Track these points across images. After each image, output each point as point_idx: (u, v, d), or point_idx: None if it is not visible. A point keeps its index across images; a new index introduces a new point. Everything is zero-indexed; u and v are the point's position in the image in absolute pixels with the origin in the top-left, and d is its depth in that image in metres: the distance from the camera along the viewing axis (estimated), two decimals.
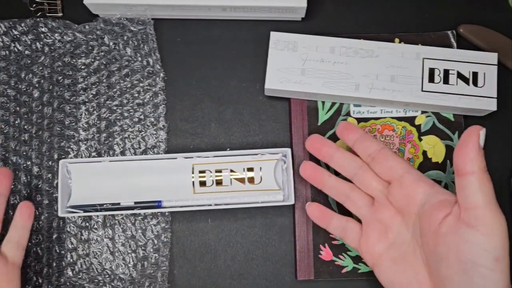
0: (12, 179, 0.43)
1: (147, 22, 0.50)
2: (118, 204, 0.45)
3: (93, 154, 0.48)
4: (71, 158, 0.48)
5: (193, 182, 0.45)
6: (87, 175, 0.45)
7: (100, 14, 0.50)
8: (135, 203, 0.45)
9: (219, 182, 0.45)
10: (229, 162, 0.45)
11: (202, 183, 0.45)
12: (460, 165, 0.34)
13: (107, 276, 0.46)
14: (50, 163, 0.48)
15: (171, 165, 0.45)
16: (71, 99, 0.49)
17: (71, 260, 0.47)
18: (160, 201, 0.45)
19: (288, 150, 0.45)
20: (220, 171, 0.45)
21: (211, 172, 0.45)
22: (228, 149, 0.49)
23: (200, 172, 0.45)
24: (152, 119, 0.49)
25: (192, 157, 0.46)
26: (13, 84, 0.49)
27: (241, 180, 0.45)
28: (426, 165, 0.48)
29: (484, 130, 0.34)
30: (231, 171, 0.45)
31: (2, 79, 0.49)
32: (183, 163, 0.45)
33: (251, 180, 0.45)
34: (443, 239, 0.34)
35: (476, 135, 0.33)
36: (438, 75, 0.46)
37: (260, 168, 0.45)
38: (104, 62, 0.49)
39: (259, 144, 0.49)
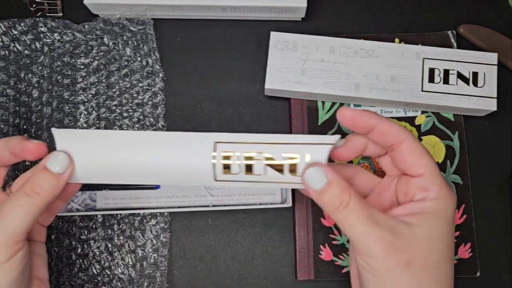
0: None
1: (146, 22, 0.50)
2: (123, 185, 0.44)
3: None
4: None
5: (213, 165, 0.33)
6: (79, 147, 0.34)
7: (100, 14, 0.50)
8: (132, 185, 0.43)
9: (248, 169, 0.34)
10: (264, 143, 0.34)
11: (226, 167, 0.33)
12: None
13: (106, 276, 0.46)
14: None
15: (186, 139, 0.34)
16: (70, 99, 0.49)
17: (70, 260, 0.46)
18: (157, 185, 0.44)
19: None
20: (251, 154, 0.33)
21: (239, 154, 0.33)
22: None
23: (224, 153, 0.33)
24: (152, 119, 0.49)
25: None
26: (12, 84, 0.49)
27: (279, 169, 0.33)
28: None
29: (310, 170, 0.31)
30: (266, 156, 0.33)
31: (1, 79, 0.49)
32: (201, 138, 0.34)
33: (293, 169, 0.33)
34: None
35: (305, 183, 0.31)
36: (438, 75, 0.46)
37: (306, 155, 0.33)
38: (104, 62, 0.49)
39: None
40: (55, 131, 0.33)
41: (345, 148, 0.33)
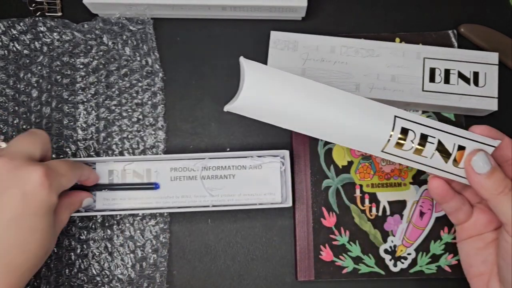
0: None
1: (146, 21, 0.49)
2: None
3: (92, 154, 0.48)
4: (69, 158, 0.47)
5: (390, 137, 0.34)
6: (265, 82, 0.33)
7: (99, 13, 0.50)
8: (130, 184, 0.46)
9: (419, 149, 0.35)
10: (440, 129, 0.35)
11: (399, 142, 0.35)
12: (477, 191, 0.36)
13: (105, 276, 0.46)
14: None
15: (369, 107, 0.35)
16: (70, 99, 0.49)
17: (70, 261, 0.46)
18: (157, 184, 0.45)
19: (287, 152, 0.45)
20: (426, 137, 0.35)
21: (415, 134, 0.35)
22: (228, 150, 0.48)
23: (403, 130, 0.35)
24: (151, 119, 0.48)
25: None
26: (11, 84, 0.49)
27: (446, 156, 0.35)
28: None
29: (480, 153, 0.34)
30: (439, 142, 0.35)
31: (0, 78, 0.49)
32: (383, 110, 0.35)
33: (458, 159, 0.35)
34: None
35: (469, 165, 0.35)
36: (439, 74, 0.46)
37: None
38: (103, 62, 0.49)
39: (259, 145, 0.49)
40: (244, 60, 0.33)
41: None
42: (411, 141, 0.35)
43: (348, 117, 0.34)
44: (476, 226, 0.39)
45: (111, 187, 0.45)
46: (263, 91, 0.33)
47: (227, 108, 0.33)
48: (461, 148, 0.35)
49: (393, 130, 0.34)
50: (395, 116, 0.35)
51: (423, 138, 0.35)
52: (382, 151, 0.35)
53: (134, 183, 0.45)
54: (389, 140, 0.34)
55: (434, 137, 0.35)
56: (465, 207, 0.39)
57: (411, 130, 0.35)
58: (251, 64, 0.33)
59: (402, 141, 0.34)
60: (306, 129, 0.34)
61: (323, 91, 0.34)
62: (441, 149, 0.35)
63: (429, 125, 0.35)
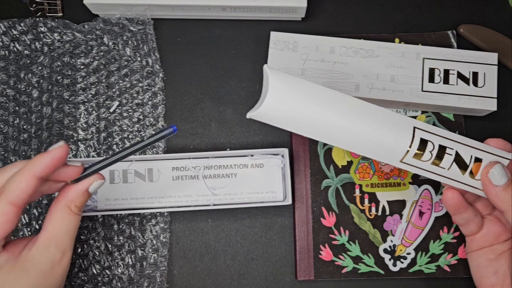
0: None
1: (146, 22, 0.50)
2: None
3: (92, 154, 0.48)
4: (69, 158, 0.47)
5: (408, 149, 0.35)
6: (288, 91, 0.33)
7: (100, 14, 0.50)
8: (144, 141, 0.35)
9: (438, 160, 0.36)
10: (457, 141, 0.36)
11: (419, 153, 0.35)
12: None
13: (106, 276, 0.46)
14: None
15: (390, 118, 0.35)
16: (70, 99, 0.49)
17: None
18: (174, 126, 0.35)
19: (286, 150, 0.45)
20: (444, 149, 0.36)
21: (433, 145, 0.35)
22: (228, 149, 0.49)
23: (422, 141, 0.35)
24: (152, 119, 0.49)
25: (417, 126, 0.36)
26: (12, 84, 0.49)
27: (463, 168, 0.36)
28: None
29: (497, 165, 0.35)
30: (457, 154, 0.36)
31: (1, 79, 0.49)
32: (403, 121, 0.35)
33: (474, 171, 0.36)
34: None
35: (486, 177, 0.36)
36: (438, 75, 0.46)
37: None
38: (104, 62, 0.49)
39: (259, 144, 0.49)
40: (268, 69, 0.33)
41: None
42: (430, 152, 0.35)
43: (369, 127, 0.34)
44: (487, 237, 0.39)
45: (120, 154, 0.35)
46: (286, 101, 0.33)
47: (249, 115, 0.33)
48: (477, 160, 0.36)
49: (412, 141, 0.35)
50: (415, 127, 0.35)
51: (442, 149, 0.35)
52: (401, 161, 0.35)
53: (146, 140, 0.35)
54: (408, 150, 0.35)
55: (452, 149, 0.36)
56: (476, 219, 0.39)
57: (430, 141, 0.35)
58: (275, 73, 0.33)
59: (421, 152, 0.35)
60: (327, 138, 0.34)
61: (345, 101, 0.34)
62: (459, 160, 0.36)
63: (447, 137, 0.36)
